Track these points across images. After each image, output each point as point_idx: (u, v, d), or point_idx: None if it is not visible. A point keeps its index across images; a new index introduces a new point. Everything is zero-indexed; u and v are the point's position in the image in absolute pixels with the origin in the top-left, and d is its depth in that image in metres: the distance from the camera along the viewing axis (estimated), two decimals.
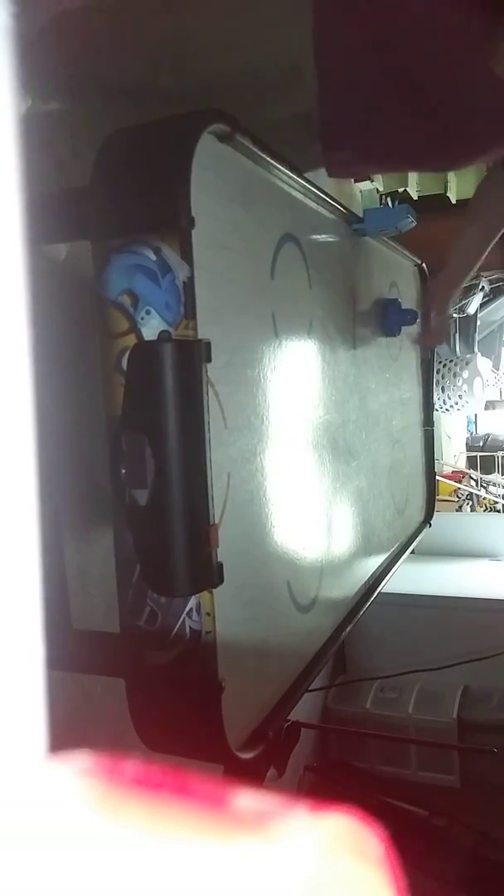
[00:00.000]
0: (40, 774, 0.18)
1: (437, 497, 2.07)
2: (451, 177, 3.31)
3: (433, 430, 1.97)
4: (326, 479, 1.22)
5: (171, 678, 0.81)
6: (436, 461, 2.08)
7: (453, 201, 3.37)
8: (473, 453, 3.97)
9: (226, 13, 1.21)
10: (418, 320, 1.65)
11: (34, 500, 0.20)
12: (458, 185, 3.37)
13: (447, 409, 3.37)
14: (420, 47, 1.09)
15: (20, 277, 0.19)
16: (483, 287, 3.37)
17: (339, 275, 1.34)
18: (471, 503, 3.64)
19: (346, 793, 2.20)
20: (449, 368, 3.35)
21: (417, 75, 1.12)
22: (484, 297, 3.44)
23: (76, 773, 0.18)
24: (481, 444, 4.02)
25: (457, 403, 3.32)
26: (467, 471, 3.79)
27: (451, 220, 3.36)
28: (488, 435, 4.08)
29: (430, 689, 2.66)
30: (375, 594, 1.43)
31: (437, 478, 2.25)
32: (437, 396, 3.27)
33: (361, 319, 1.44)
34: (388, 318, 1.55)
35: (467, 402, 3.32)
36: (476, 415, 4.12)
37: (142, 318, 0.76)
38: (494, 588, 2.83)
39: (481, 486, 3.68)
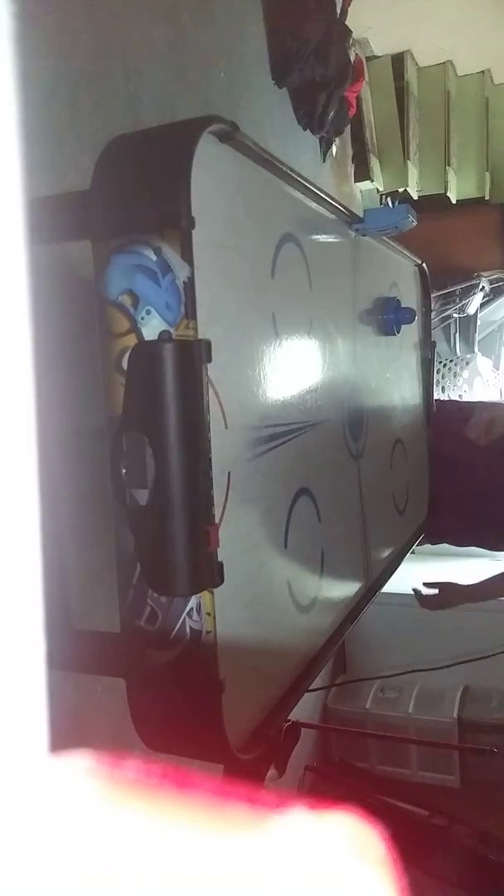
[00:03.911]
0: (41, 774, 0.18)
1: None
2: (452, 177, 3.31)
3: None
4: (327, 479, 1.22)
5: (171, 678, 0.81)
6: None
7: (453, 201, 3.37)
8: None
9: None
10: (417, 319, 1.68)
11: (35, 499, 0.20)
12: (458, 185, 3.37)
13: None
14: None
15: (21, 277, 0.19)
16: (483, 287, 3.36)
17: (339, 275, 1.34)
18: None
19: (346, 793, 2.20)
20: (449, 368, 3.35)
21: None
22: (484, 297, 3.44)
23: (76, 773, 0.18)
24: None
25: None
26: None
27: (451, 220, 3.37)
28: None
29: (430, 689, 2.66)
30: (375, 594, 1.43)
31: None
32: (438, 396, 3.26)
33: (361, 319, 1.44)
34: (386, 317, 1.56)
35: None
36: None
37: (142, 318, 0.76)
38: None
39: None
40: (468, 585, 1.92)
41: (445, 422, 1.93)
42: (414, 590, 1.91)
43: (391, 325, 1.57)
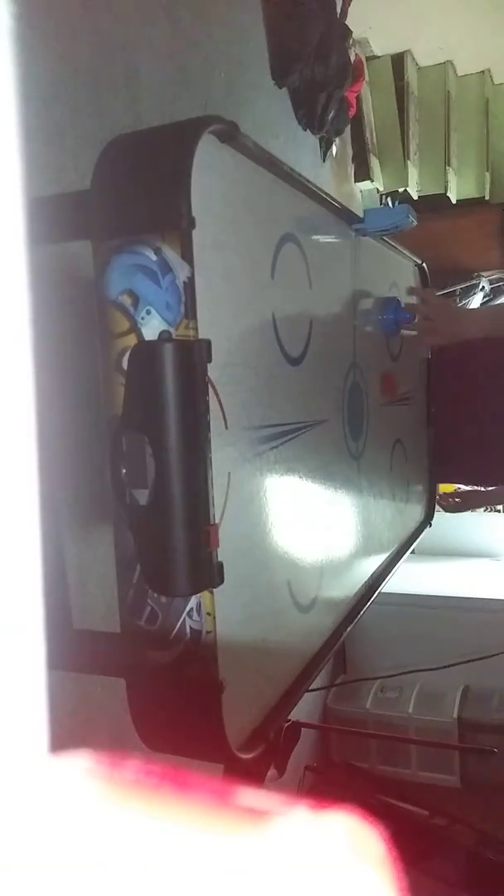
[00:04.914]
0: (41, 774, 0.18)
1: (437, 497, 2.07)
2: (452, 177, 3.31)
3: (434, 430, 1.97)
4: (327, 479, 1.22)
5: (171, 678, 0.81)
6: None
7: (453, 201, 3.37)
8: None
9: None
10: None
11: (35, 499, 0.20)
12: (458, 185, 3.37)
13: None
14: None
15: (21, 277, 0.19)
16: (483, 287, 3.36)
17: (339, 275, 1.34)
18: None
19: (346, 793, 2.20)
20: None
21: None
22: (484, 297, 3.44)
23: (77, 772, 0.18)
24: None
25: None
26: None
27: (450, 220, 3.36)
28: None
29: (430, 689, 2.66)
30: (375, 594, 1.43)
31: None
32: None
33: (361, 319, 1.44)
34: (386, 317, 1.56)
35: None
36: None
37: (142, 318, 0.76)
38: (494, 588, 2.83)
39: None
40: (485, 490, 2.08)
41: (445, 358, 1.93)
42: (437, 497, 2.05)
43: (391, 324, 1.57)
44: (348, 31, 2.65)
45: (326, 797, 0.18)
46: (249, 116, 2.19)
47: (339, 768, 2.61)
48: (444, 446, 1.98)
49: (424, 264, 1.94)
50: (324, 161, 2.83)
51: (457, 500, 2.02)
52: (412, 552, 1.81)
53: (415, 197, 3.33)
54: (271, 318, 0.99)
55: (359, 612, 1.33)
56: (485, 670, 2.36)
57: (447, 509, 2.04)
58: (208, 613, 0.79)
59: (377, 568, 1.53)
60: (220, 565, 0.78)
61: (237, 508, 0.87)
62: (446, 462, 2.02)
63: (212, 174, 0.82)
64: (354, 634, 2.06)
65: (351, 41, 2.72)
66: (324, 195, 1.20)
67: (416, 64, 3.28)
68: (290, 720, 0.98)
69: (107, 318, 0.78)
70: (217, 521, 0.79)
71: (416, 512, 1.93)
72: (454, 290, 3.29)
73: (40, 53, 1.28)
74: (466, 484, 2.23)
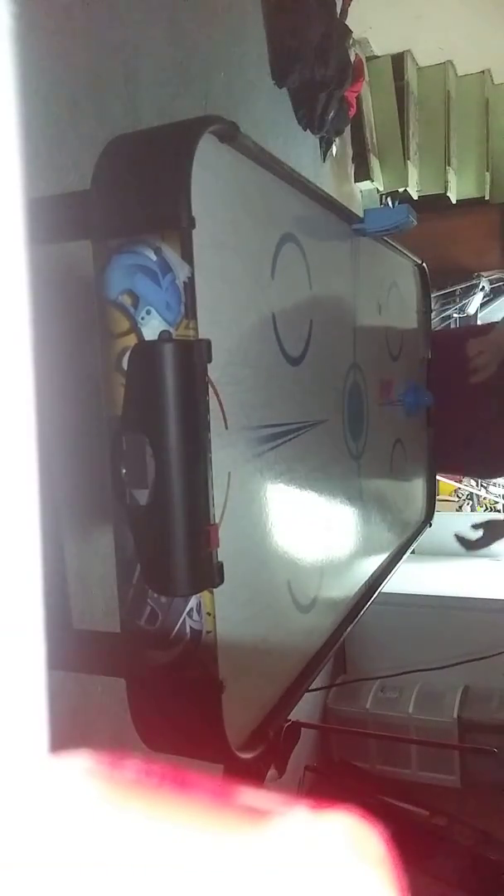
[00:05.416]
0: (41, 774, 0.18)
1: (437, 497, 2.07)
2: (452, 177, 3.31)
3: (434, 430, 1.97)
4: (327, 480, 1.22)
5: (171, 678, 0.81)
6: None
7: (453, 201, 3.37)
8: None
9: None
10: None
11: (35, 499, 0.20)
12: (458, 185, 3.37)
13: None
14: None
15: (21, 277, 0.19)
16: (483, 287, 3.36)
17: (340, 274, 1.34)
18: (471, 503, 3.64)
19: (346, 793, 2.21)
20: None
21: None
22: (484, 297, 3.44)
23: (76, 772, 0.18)
24: None
25: None
26: None
27: (451, 220, 3.36)
28: None
29: (430, 689, 2.66)
30: (375, 594, 1.43)
31: (438, 478, 2.25)
32: None
33: (361, 319, 1.44)
34: (407, 399, 1.72)
35: None
36: None
37: (142, 318, 0.76)
38: (494, 588, 2.83)
39: (481, 486, 3.68)
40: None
41: (446, 351, 1.95)
42: (456, 536, 1.96)
43: (412, 406, 1.73)
44: (348, 31, 2.65)
45: (326, 797, 0.18)
46: (249, 116, 2.19)
47: (339, 768, 2.61)
48: (444, 446, 1.98)
49: (424, 264, 1.94)
50: (324, 161, 2.83)
51: (480, 535, 1.98)
52: (412, 552, 1.81)
53: (415, 197, 3.33)
54: (271, 318, 0.99)
55: (359, 612, 1.33)
56: (485, 670, 2.36)
57: (470, 550, 2.00)
58: (208, 613, 0.79)
59: (377, 568, 1.53)
60: (220, 565, 0.78)
61: (237, 508, 0.87)
62: (446, 461, 2.03)
63: (212, 174, 0.82)
64: (354, 634, 2.06)
65: (351, 41, 2.72)
66: (324, 195, 1.20)
67: (416, 64, 3.28)
68: (290, 720, 0.98)
69: (107, 318, 0.78)
70: (217, 521, 0.79)
71: (416, 512, 1.93)
72: (454, 290, 3.29)
73: (40, 53, 1.28)
74: (466, 477, 2.24)
